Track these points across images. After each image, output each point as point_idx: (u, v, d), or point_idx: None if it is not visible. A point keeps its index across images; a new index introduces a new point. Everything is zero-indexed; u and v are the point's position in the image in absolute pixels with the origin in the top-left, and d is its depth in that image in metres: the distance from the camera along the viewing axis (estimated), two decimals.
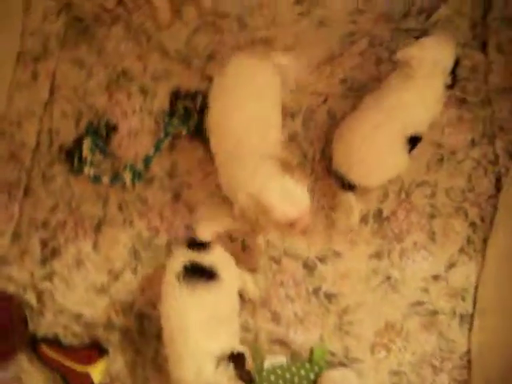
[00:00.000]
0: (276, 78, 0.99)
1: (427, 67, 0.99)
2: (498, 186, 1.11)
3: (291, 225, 0.87)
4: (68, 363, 1.03)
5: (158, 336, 1.05)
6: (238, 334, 0.94)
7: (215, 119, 0.95)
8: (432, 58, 0.99)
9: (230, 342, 0.88)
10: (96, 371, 1.04)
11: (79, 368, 1.03)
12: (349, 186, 1.01)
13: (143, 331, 1.07)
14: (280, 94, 0.99)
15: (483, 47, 1.18)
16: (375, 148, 0.98)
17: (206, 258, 0.89)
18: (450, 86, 1.02)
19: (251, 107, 0.93)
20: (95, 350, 1.06)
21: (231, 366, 0.83)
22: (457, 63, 1.02)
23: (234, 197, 0.90)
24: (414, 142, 1.01)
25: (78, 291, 1.09)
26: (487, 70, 1.16)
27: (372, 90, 1.08)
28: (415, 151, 1.13)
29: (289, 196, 0.86)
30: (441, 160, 1.13)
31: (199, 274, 0.86)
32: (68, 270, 1.11)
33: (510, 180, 1.10)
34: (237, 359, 0.84)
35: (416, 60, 0.99)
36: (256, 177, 0.87)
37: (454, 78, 1.02)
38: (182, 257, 0.89)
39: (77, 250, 1.11)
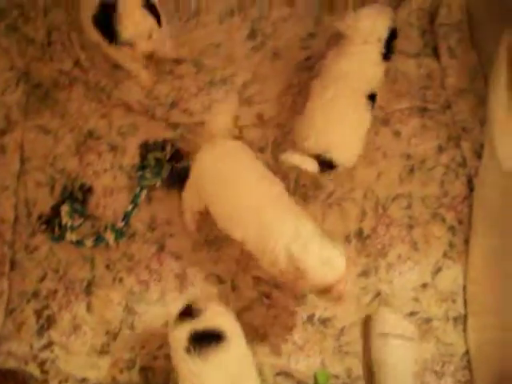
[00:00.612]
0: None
1: (362, 36, 1.08)
2: (471, 186, 1.21)
3: (328, 290, 0.92)
4: None
5: None
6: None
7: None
8: (366, 27, 1.08)
9: None
10: None
11: None
12: (329, 165, 1.06)
13: None
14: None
15: (435, 53, 1.28)
16: (340, 117, 1.06)
17: (207, 322, 0.90)
18: (386, 56, 1.11)
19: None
20: None
21: None
22: (393, 34, 1.11)
23: (263, 253, 0.96)
24: (372, 98, 1.09)
25: (80, 356, 1.16)
26: (443, 75, 1.27)
27: None
28: (385, 165, 1.23)
29: (327, 261, 0.91)
30: (412, 170, 1.23)
31: (207, 340, 0.88)
32: (66, 337, 1.17)
33: (480, 179, 1.19)
34: None
35: (351, 29, 1.09)
36: (298, 238, 0.92)
37: (389, 48, 1.11)
38: (184, 329, 0.89)
39: (72, 316, 1.18)
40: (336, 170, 1.08)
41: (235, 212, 0.99)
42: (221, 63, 1.30)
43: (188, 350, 0.87)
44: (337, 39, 1.25)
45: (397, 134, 1.25)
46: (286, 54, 1.30)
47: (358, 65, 1.09)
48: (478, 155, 1.21)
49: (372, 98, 1.09)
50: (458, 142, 1.24)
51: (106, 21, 1.04)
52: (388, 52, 1.11)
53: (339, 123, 1.07)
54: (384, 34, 1.10)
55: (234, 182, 1.00)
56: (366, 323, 1.12)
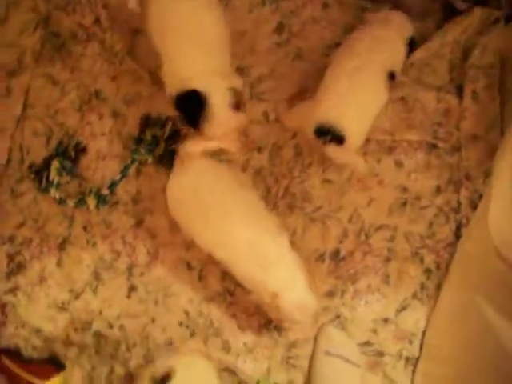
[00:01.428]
0: None
1: (390, 24, 1.21)
2: (458, 234, 1.28)
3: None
4: (26, 376, 1.24)
5: (113, 355, 1.26)
6: None
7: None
8: (396, 20, 1.22)
9: None
10: None
11: (36, 381, 1.24)
12: (337, 139, 1.13)
13: (100, 350, 1.27)
14: None
15: (459, 92, 1.33)
16: (362, 89, 1.14)
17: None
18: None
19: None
20: (53, 365, 1.26)
21: None
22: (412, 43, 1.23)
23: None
24: (392, 77, 1.18)
25: (40, 307, 1.29)
26: (460, 116, 1.32)
27: None
28: (379, 193, 1.31)
29: (302, 308, 1.08)
30: (404, 204, 1.30)
31: None
32: (32, 286, 1.30)
33: (468, 231, 1.26)
34: None
35: (380, 19, 1.21)
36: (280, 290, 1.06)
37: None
38: None
39: (41, 267, 1.30)
40: (341, 151, 1.16)
41: (217, 239, 1.11)
42: (241, 52, 1.36)
43: None
44: None
45: (399, 164, 1.32)
46: (309, 56, 1.36)
47: (384, 43, 1.18)
48: (474, 206, 1.27)
49: (392, 77, 1.17)
50: (458, 187, 1.30)
51: (191, 108, 1.11)
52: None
53: (355, 96, 1.15)
54: (410, 31, 1.21)
55: (213, 209, 1.10)
56: (315, 339, 1.22)
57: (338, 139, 1.14)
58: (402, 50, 1.22)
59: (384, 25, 1.21)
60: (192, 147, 1.15)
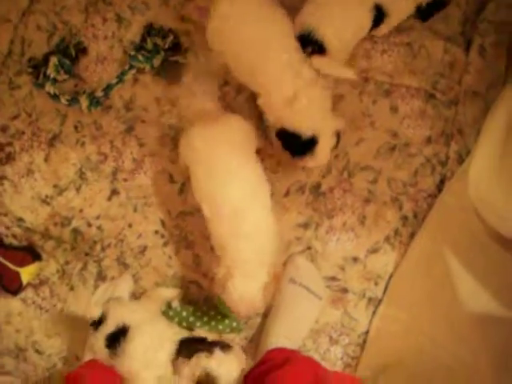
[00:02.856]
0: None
1: None
2: (440, 187, 1.33)
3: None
4: (3, 260, 1.33)
5: (87, 253, 1.35)
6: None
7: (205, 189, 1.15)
8: None
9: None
10: (26, 272, 1.33)
11: (12, 267, 1.33)
12: (319, 49, 1.18)
13: (76, 246, 1.35)
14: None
15: (468, 47, 1.35)
16: (341, 2, 1.19)
17: (114, 323, 1.14)
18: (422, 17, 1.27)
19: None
20: (30, 254, 1.35)
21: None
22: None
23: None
24: (378, 11, 1.21)
25: (24, 198, 1.37)
26: (464, 70, 1.34)
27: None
28: (369, 134, 1.35)
29: (246, 301, 1.11)
30: (392, 149, 1.34)
31: (117, 338, 1.13)
32: (18, 177, 1.37)
33: (450, 184, 1.31)
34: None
35: None
36: (234, 270, 1.10)
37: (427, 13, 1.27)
38: (100, 337, 1.14)
39: (29, 160, 1.37)
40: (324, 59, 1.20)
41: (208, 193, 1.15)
42: None
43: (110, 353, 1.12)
44: None
45: (394, 109, 1.35)
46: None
47: None
48: (462, 162, 1.31)
49: (378, 10, 1.21)
50: (448, 140, 1.33)
51: (297, 142, 1.17)
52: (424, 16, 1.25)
53: (334, 6, 1.19)
54: None
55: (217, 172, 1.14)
56: (284, 266, 1.30)
57: (320, 48, 1.18)
58: None
59: None
60: None
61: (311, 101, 1.14)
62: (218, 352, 1.08)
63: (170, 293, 1.27)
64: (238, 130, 1.19)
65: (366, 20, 1.22)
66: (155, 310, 1.23)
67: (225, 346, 1.11)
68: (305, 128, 1.13)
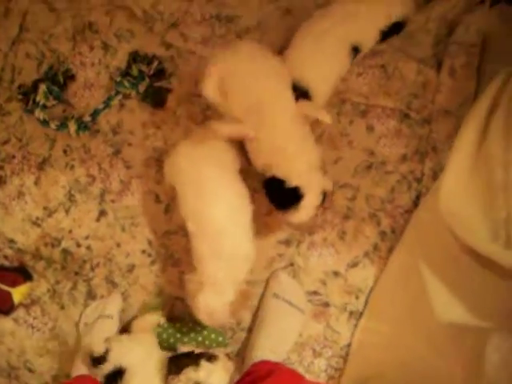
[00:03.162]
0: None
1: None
2: (417, 203, 1.39)
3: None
4: None
5: (77, 272, 1.40)
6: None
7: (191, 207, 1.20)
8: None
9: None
10: (18, 292, 1.38)
11: (3, 287, 1.38)
12: (302, 94, 1.24)
13: (66, 266, 1.40)
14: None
15: (439, 67, 1.42)
16: (323, 52, 1.25)
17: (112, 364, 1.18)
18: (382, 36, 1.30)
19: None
20: (21, 274, 1.40)
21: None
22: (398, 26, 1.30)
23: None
24: (355, 51, 1.28)
25: (15, 219, 1.42)
26: (436, 90, 1.41)
27: None
28: (347, 153, 1.41)
29: (210, 315, 1.16)
30: (369, 167, 1.41)
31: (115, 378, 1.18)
32: (9, 199, 1.43)
33: (425, 200, 1.37)
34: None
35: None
36: (205, 285, 1.15)
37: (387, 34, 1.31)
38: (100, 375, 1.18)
39: (20, 183, 1.43)
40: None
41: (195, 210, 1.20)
42: (233, 1, 1.45)
43: None
44: None
45: (370, 128, 1.42)
46: (298, 13, 1.45)
47: (354, 17, 1.26)
48: (436, 178, 1.38)
49: (356, 51, 1.28)
50: (423, 158, 1.40)
51: (282, 194, 1.20)
52: (385, 36, 1.30)
53: (317, 58, 1.25)
54: (396, 15, 1.28)
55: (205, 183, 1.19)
56: (267, 282, 1.36)
57: (305, 94, 1.25)
58: (372, 29, 1.28)
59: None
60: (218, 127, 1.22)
61: (302, 152, 1.20)
62: (204, 363, 1.13)
63: (157, 316, 1.32)
64: (221, 149, 1.25)
65: (346, 61, 1.29)
66: (149, 340, 1.27)
67: (211, 357, 1.15)
68: (292, 177, 1.16)
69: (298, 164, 1.19)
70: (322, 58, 1.26)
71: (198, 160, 1.22)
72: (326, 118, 1.23)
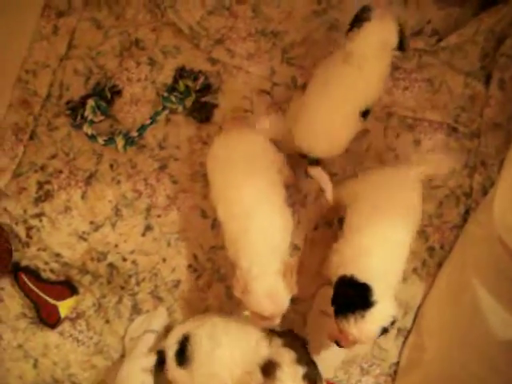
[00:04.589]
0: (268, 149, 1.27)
1: (371, 54, 1.18)
2: (466, 218, 1.39)
3: (263, 317, 1.14)
4: (41, 294, 1.42)
5: (123, 287, 1.43)
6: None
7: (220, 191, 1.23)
8: (375, 44, 1.17)
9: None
10: (64, 306, 1.42)
11: (50, 301, 1.42)
12: (314, 161, 1.27)
13: (111, 280, 1.44)
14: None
15: (487, 80, 1.43)
16: (333, 127, 1.24)
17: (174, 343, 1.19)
18: (401, 48, 1.20)
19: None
20: (67, 288, 1.43)
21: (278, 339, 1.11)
22: (401, 33, 1.19)
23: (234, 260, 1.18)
24: (365, 114, 1.25)
25: (62, 234, 1.46)
26: (484, 103, 1.42)
27: None
28: None
29: (272, 296, 1.11)
30: None
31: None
32: (56, 214, 1.47)
33: (476, 215, 1.37)
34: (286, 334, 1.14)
35: (358, 52, 1.18)
36: (252, 268, 1.13)
37: (403, 46, 1.20)
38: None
39: (67, 198, 1.47)
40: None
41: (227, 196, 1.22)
42: (278, 16, 1.49)
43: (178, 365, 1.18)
44: None
45: (417, 142, 1.43)
46: (344, 28, 1.48)
47: (366, 82, 1.22)
48: (486, 192, 1.38)
49: (365, 114, 1.24)
50: (472, 172, 1.41)
51: None
52: (403, 47, 1.22)
53: (327, 130, 1.24)
54: (394, 40, 1.18)
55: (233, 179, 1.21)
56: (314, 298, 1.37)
57: (316, 161, 1.28)
58: (376, 86, 1.23)
59: (359, 57, 1.19)
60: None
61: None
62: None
63: None
64: (255, 142, 1.27)
65: (357, 123, 1.25)
66: None
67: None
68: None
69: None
70: (333, 130, 1.24)
71: (232, 149, 1.25)
72: (329, 193, 1.26)
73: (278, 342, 1.10)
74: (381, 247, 1.14)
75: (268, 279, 1.13)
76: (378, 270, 1.11)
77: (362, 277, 1.09)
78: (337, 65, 1.22)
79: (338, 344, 1.13)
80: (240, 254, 1.17)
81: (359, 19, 1.19)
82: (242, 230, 1.17)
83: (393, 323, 1.09)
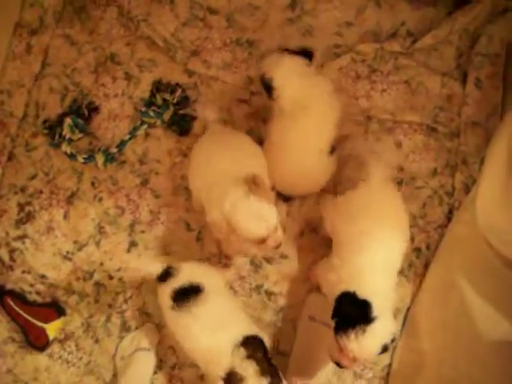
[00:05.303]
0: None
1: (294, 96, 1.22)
2: (449, 217, 1.41)
3: (263, 242, 1.10)
4: (28, 317, 1.41)
5: (111, 305, 1.43)
6: (247, 321, 1.18)
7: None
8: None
9: (240, 330, 1.12)
10: (52, 328, 1.41)
11: (38, 323, 1.41)
12: (286, 198, 1.34)
13: (99, 299, 1.43)
14: None
15: (464, 79, 1.45)
16: (304, 169, 1.28)
17: (183, 280, 1.16)
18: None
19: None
20: (54, 309, 1.42)
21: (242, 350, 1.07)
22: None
23: (208, 211, 1.16)
24: (332, 150, 1.29)
25: (46, 255, 1.45)
26: (462, 102, 1.44)
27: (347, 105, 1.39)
28: None
29: (255, 216, 1.08)
30: (399, 183, 1.43)
31: (187, 296, 1.14)
32: (39, 235, 1.46)
33: (459, 214, 1.39)
34: (250, 343, 1.09)
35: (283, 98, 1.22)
36: (225, 198, 1.10)
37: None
38: (166, 289, 1.16)
39: (49, 218, 1.46)
40: None
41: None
42: (252, 25, 1.50)
43: (173, 308, 1.15)
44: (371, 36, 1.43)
45: (398, 144, 1.44)
46: (318, 34, 1.49)
47: (315, 123, 1.26)
48: (468, 191, 1.39)
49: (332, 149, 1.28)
50: (453, 171, 1.42)
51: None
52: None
53: (307, 177, 1.31)
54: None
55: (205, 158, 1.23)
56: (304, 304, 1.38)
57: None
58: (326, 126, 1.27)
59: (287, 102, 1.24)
60: None
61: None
62: None
63: None
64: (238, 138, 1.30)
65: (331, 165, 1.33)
66: None
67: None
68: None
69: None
70: (305, 176, 1.31)
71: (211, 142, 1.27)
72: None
73: (241, 352, 1.09)
74: (378, 264, 1.15)
75: (241, 203, 1.09)
76: (377, 286, 1.12)
77: (362, 293, 1.09)
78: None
79: (339, 364, 1.12)
80: (206, 204, 1.17)
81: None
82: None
83: (393, 340, 1.09)
